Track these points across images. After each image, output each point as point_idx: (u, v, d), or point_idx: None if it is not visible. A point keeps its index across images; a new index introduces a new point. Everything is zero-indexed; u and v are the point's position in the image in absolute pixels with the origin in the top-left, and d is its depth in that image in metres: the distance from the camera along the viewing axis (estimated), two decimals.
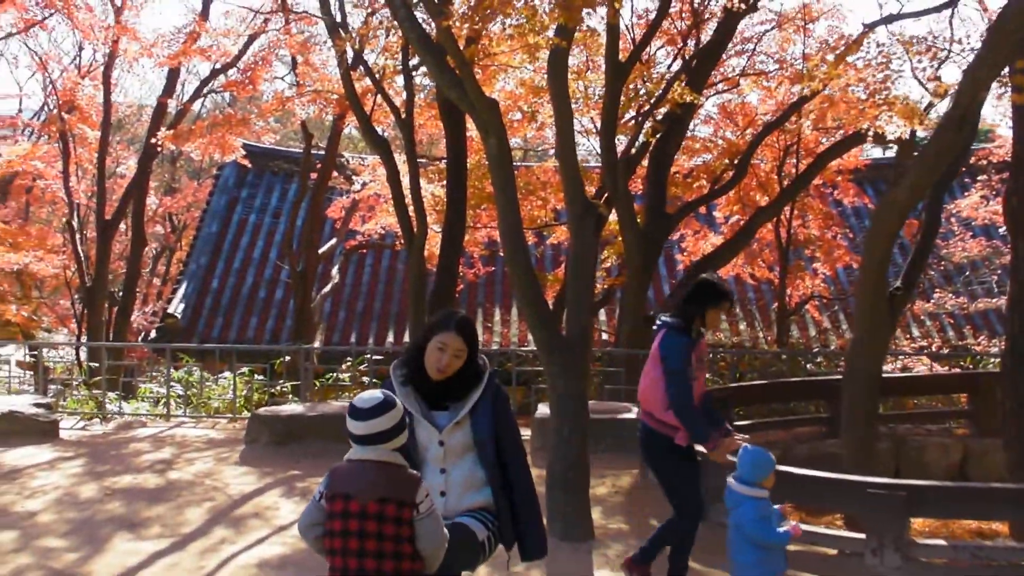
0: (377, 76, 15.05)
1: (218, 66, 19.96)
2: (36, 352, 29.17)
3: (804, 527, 6.91)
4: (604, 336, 22.04)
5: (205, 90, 21.42)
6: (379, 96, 15.26)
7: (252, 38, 19.05)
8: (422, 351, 5.03)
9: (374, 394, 4.51)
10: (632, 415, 11.43)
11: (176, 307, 24.22)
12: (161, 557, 8.08)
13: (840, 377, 10.20)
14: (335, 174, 21.59)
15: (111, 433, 13.10)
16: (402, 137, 14.96)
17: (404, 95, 15.28)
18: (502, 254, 21.28)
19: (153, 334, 24.35)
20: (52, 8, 18.65)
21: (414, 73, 15.20)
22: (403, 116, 14.53)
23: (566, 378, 8.57)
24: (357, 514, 4.32)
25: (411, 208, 14.47)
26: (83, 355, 21.49)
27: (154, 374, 18.11)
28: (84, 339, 22.23)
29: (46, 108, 27.86)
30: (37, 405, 12.64)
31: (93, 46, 22.14)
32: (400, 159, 15.78)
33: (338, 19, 14.79)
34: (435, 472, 5.01)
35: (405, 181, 14.64)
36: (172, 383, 15.25)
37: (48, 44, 57.60)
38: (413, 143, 14.56)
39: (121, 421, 14.07)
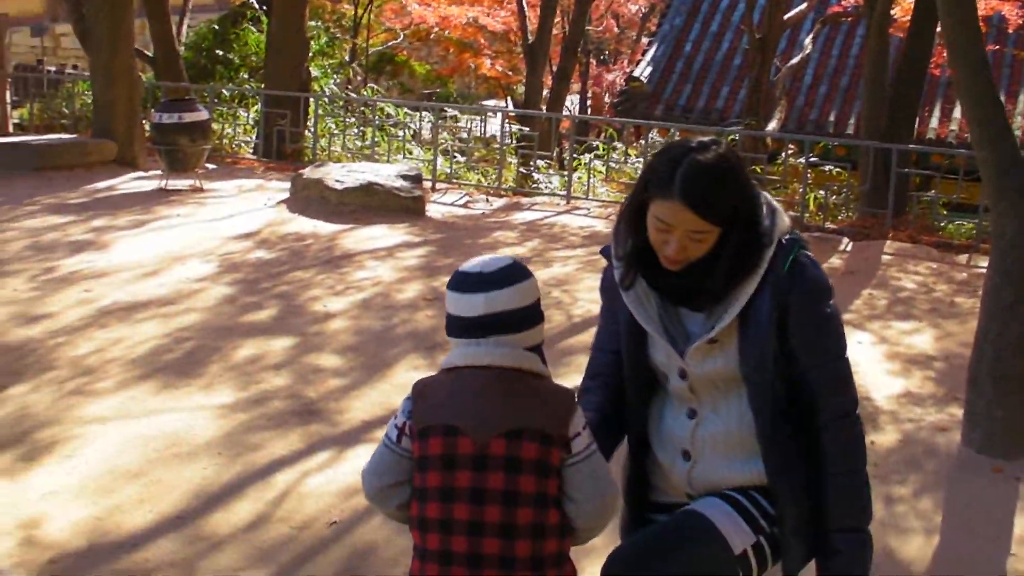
0: None
1: None
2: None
3: None
4: None
5: None
6: None
7: None
8: (641, 211, 2.67)
9: (494, 256, 2.66)
10: None
11: (643, 70, 22.13)
12: None
13: None
14: None
15: (488, 215, 11.26)
16: None
17: None
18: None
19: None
20: None
21: None
22: None
23: (1021, 214, 5.52)
24: (470, 460, 2.50)
25: None
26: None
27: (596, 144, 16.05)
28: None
29: None
30: (404, 177, 10.97)
31: None
32: None
33: None
34: (676, 417, 2.83)
35: None
36: (585, 160, 13.17)
37: None
38: None
39: (511, 200, 12.16)
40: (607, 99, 28.48)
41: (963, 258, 10.34)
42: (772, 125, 15.85)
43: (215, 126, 13.81)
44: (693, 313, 2.70)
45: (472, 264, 2.65)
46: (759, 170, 12.85)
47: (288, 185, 11.52)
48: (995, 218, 5.69)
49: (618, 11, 31.71)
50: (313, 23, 18.96)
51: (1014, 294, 5.57)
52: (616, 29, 32.20)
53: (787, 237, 2.64)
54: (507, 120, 14.04)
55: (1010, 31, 18.86)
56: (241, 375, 6.44)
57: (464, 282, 2.62)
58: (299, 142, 14.01)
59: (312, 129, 14.33)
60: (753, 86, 16.14)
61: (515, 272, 2.61)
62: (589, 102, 27.73)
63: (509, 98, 28.78)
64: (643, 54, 23.55)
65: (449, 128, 14.66)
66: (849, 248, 10.56)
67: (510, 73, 25.66)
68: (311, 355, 6.83)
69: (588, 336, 7.39)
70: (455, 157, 13.80)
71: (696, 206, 2.53)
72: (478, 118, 16.79)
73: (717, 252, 2.60)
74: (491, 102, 31.05)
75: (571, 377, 6.66)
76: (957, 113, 19.29)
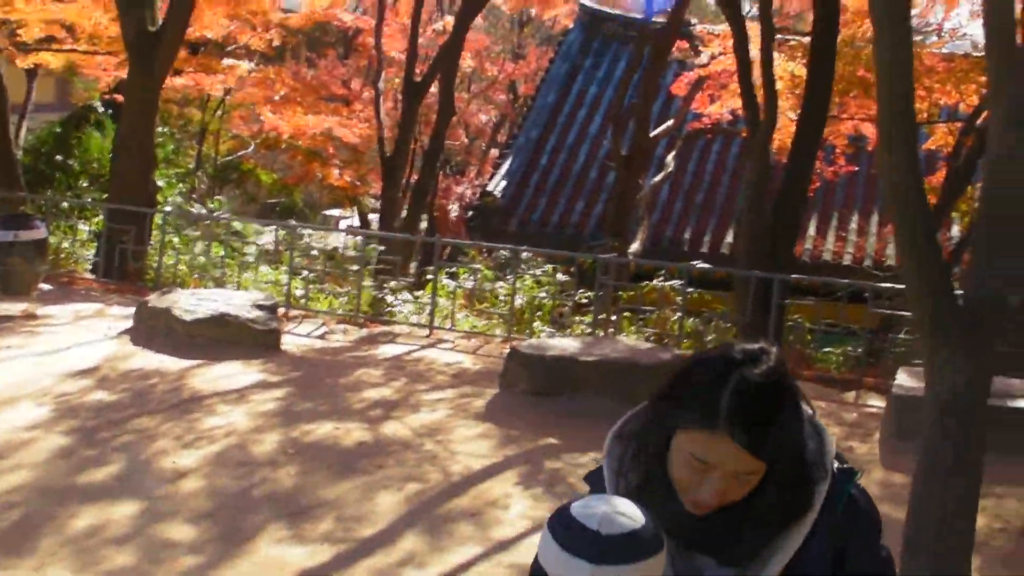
0: None
1: None
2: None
3: None
4: None
5: None
6: None
7: None
8: (662, 440, 2.11)
9: (617, 505, 2.02)
10: None
11: (497, 184, 21.87)
12: None
13: None
14: (682, 44, 18.26)
15: (348, 348, 10.59)
16: None
17: None
18: (871, 148, 17.47)
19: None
20: None
21: None
22: None
23: (962, 368, 5.14)
24: None
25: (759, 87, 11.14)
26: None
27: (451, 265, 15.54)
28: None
29: None
30: (259, 307, 10.25)
31: None
32: (756, 31, 12.40)
33: None
34: None
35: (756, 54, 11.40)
36: (443, 280, 12.65)
37: None
38: (769, 2, 11.12)
39: (370, 331, 11.51)
40: (455, 212, 28.21)
41: (850, 396, 10.06)
42: (635, 246, 15.66)
43: (51, 239, 12.93)
44: (708, 562, 2.12)
45: (588, 512, 1.99)
46: (624, 296, 12.51)
47: (131, 312, 10.65)
48: (934, 369, 5.27)
49: (468, 121, 31.68)
50: (160, 129, 18.22)
51: (954, 455, 5.17)
52: (466, 139, 32.15)
53: (838, 466, 2.13)
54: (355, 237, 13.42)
55: (868, 149, 19.11)
56: (79, 552, 5.69)
57: (572, 539, 1.98)
58: (142, 260, 13.17)
59: (157, 247, 13.47)
60: (617, 204, 15.94)
61: (642, 543, 1.97)
62: (436, 215, 27.41)
63: (356, 209, 28.36)
64: (496, 167, 23.36)
65: (300, 248, 13.99)
66: None
67: (358, 184, 25.25)
68: (160, 524, 6.10)
69: (469, 500, 6.80)
70: (305, 275, 13.16)
71: (751, 443, 1.97)
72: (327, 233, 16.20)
73: (758, 491, 2.05)
74: (336, 212, 30.64)
75: (454, 551, 6.06)
76: (851, 233, 19.54)
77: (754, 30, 12.96)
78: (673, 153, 18.26)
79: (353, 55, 29.79)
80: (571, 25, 25.18)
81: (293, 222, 17.45)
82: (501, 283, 13.04)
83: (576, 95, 24.20)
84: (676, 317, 11.68)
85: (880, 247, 19.39)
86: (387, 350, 10.57)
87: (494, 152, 31.83)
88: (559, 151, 22.78)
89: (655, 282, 12.40)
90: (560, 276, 12.96)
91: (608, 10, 24.89)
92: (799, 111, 11.80)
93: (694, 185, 21.60)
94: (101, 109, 20.28)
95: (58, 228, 14.04)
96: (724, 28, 16.28)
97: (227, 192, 24.06)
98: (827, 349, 12.29)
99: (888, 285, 11.25)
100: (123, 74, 15.83)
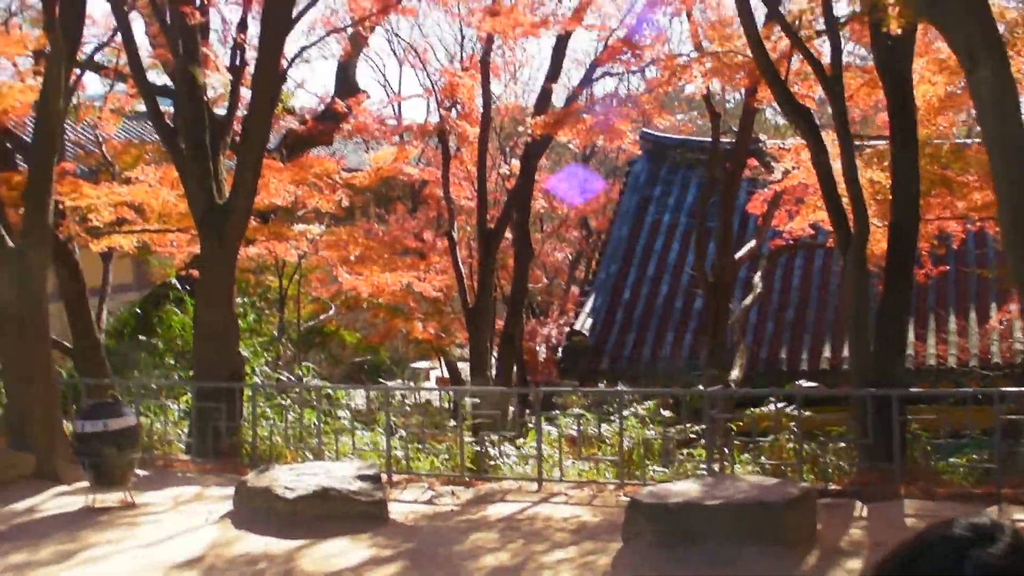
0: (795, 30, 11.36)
1: (605, 43, 16.93)
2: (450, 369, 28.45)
3: None
4: None
5: (597, 72, 18.40)
6: (795, 60, 11.59)
7: None
8: None
9: None
10: None
11: (583, 322, 21.53)
12: None
13: None
14: (752, 162, 17.98)
15: (457, 511, 10.11)
16: (831, 110, 11.19)
17: (828, 53, 11.43)
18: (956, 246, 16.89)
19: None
20: None
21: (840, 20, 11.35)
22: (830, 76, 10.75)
23: None
24: None
25: (845, 199, 10.72)
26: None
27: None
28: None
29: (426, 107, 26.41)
30: (361, 477, 9.84)
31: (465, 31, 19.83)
32: (829, 139, 12.04)
33: None
34: None
35: (836, 166, 11.00)
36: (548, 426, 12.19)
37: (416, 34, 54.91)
38: (845, 113, 10.78)
39: (478, 490, 11.03)
40: (542, 354, 27.87)
41: (993, 512, 9.35)
42: (735, 372, 15.16)
43: (142, 420, 12.70)
44: None
45: None
46: (735, 428, 11.97)
47: (230, 492, 10.32)
48: None
49: (544, 260, 31.56)
50: (239, 299, 18.17)
51: None
52: (545, 279, 31.98)
53: None
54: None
55: (954, 247, 18.53)
56: None
57: None
58: (236, 436, 12.88)
59: (249, 422, 13.18)
60: (712, 333, 15.49)
61: None
62: (524, 358, 27.09)
63: (443, 360, 28.10)
64: (579, 305, 23.06)
65: (394, 406, 13.64)
66: (865, 513, 9.54)
67: (442, 335, 25.08)
68: None
69: None
70: (401, 435, 12.79)
71: None
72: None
73: None
74: (424, 364, 30.38)
75: None
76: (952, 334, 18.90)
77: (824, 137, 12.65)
78: (759, 274, 17.80)
79: (421, 207, 29.92)
80: (636, 154, 25.04)
81: (383, 381, 17.18)
82: (605, 425, 12.58)
83: (650, 225, 23.96)
84: (792, 444, 11.10)
85: (984, 345, 18.69)
86: (499, 509, 10.09)
87: (574, 289, 31.63)
88: (641, 284, 22.48)
89: (764, 408, 11.85)
90: (664, 412, 12.54)
91: (671, 136, 24.73)
92: (888, 220, 11.32)
93: (782, 303, 21.10)
94: (179, 286, 20.35)
95: (148, 410, 13.84)
96: (795, 142, 16.03)
97: (312, 356, 23.92)
98: (951, 459, 11.63)
99: (1017, 389, 10.64)
100: (196, 249, 15.81)
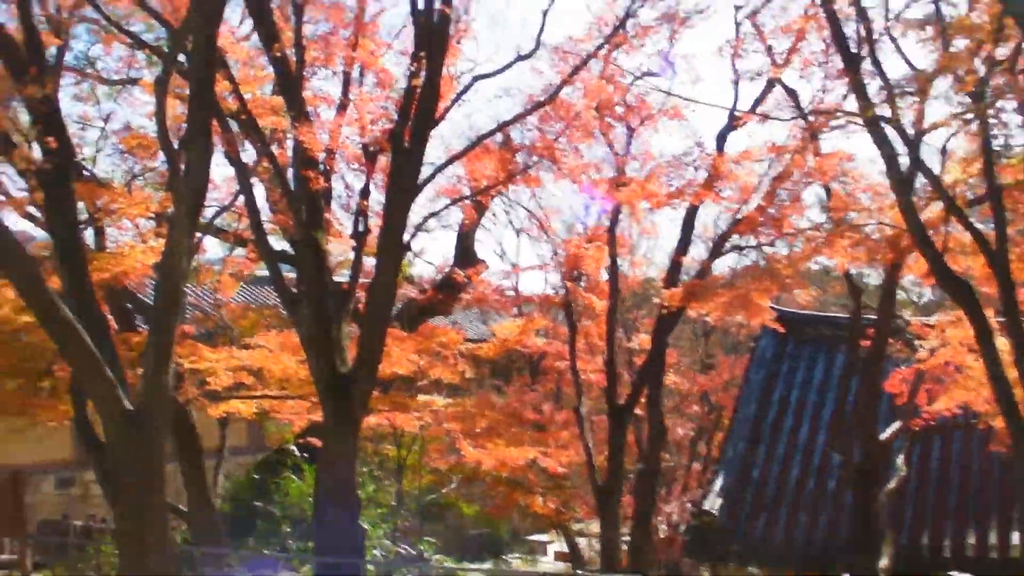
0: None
1: (738, 216, 16.57)
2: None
3: None
4: None
5: (727, 244, 18.00)
6: (950, 225, 11.03)
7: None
8: None
9: None
10: None
11: (712, 502, 20.68)
12: None
13: None
14: (890, 340, 17.26)
15: None
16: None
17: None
18: None
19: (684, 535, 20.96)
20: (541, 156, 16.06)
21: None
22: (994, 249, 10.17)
23: None
24: None
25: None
26: None
27: None
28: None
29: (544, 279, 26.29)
30: None
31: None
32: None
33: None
34: None
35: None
36: None
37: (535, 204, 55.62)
38: (1012, 287, 10.13)
39: None
40: (663, 532, 26.94)
41: None
42: (884, 562, 14.26)
43: None
44: None
45: None
46: None
47: None
48: None
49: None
50: (359, 468, 17.82)
51: None
52: (668, 456, 31.16)
53: None
54: None
55: None
56: None
57: None
58: None
59: None
60: (861, 520, 14.63)
61: None
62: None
63: (563, 534, 27.40)
64: (708, 484, 22.25)
65: None
66: None
67: (563, 510, 24.43)
68: None
69: None
70: None
71: None
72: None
73: None
74: (543, 537, 29.68)
75: None
76: None
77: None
78: (901, 456, 16.87)
79: (540, 379, 29.54)
80: (761, 331, 24.49)
81: (504, 559, 16.56)
82: None
83: (778, 402, 23.15)
84: None
85: None
86: None
87: (696, 466, 30.75)
88: (770, 462, 21.59)
89: None
90: None
91: (801, 312, 24.17)
92: None
93: (922, 483, 20.03)
94: (296, 452, 20.10)
95: None
96: (939, 317, 15.38)
97: (429, 527, 23.44)
98: None
99: None
100: (317, 416, 15.53)
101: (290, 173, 13.98)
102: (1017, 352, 9.93)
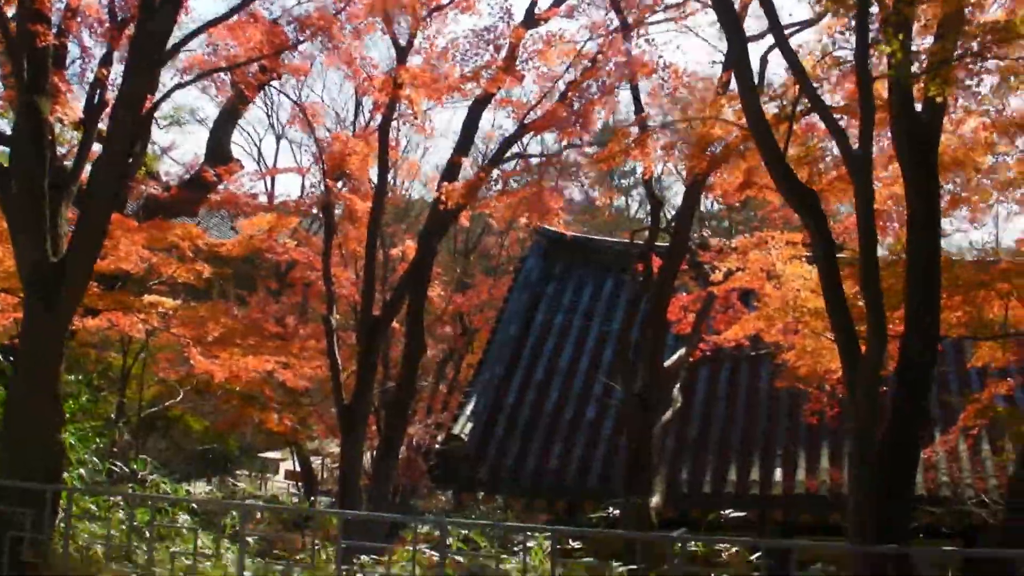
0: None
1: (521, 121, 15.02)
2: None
3: None
4: None
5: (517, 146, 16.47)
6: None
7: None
8: None
9: None
10: None
11: (462, 426, 19.31)
12: None
13: None
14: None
15: None
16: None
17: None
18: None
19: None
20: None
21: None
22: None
23: None
24: None
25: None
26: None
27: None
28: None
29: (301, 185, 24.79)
30: None
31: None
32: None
33: None
34: None
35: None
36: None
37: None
38: (871, 201, 8.93)
39: None
40: (405, 455, 25.70)
41: None
42: (656, 499, 13.19)
43: None
44: None
45: None
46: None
47: None
48: None
49: None
50: (72, 376, 15.55)
51: None
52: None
53: None
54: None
55: None
56: None
57: None
58: (45, 553, 10.20)
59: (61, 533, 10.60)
60: (633, 453, 13.48)
61: None
62: None
63: (296, 453, 25.97)
64: (460, 408, 20.89)
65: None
66: None
67: (299, 428, 22.85)
68: None
69: None
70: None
71: None
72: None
73: None
74: (275, 454, 28.20)
75: None
76: None
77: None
78: (677, 386, 15.76)
79: (286, 291, 27.83)
80: (529, 251, 23.36)
81: (230, 481, 14.78)
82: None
83: (540, 326, 22.02)
84: None
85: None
86: None
87: (442, 388, 29.63)
88: (527, 388, 20.41)
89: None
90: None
91: (572, 234, 23.12)
92: (901, 335, 9.20)
93: (704, 420, 19.14)
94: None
95: None
96: (742, 238, 14.39)
97: (153, 442, 21.43)
98: None
99: None
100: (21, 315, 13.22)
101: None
102: (865, 272, 8.69)
